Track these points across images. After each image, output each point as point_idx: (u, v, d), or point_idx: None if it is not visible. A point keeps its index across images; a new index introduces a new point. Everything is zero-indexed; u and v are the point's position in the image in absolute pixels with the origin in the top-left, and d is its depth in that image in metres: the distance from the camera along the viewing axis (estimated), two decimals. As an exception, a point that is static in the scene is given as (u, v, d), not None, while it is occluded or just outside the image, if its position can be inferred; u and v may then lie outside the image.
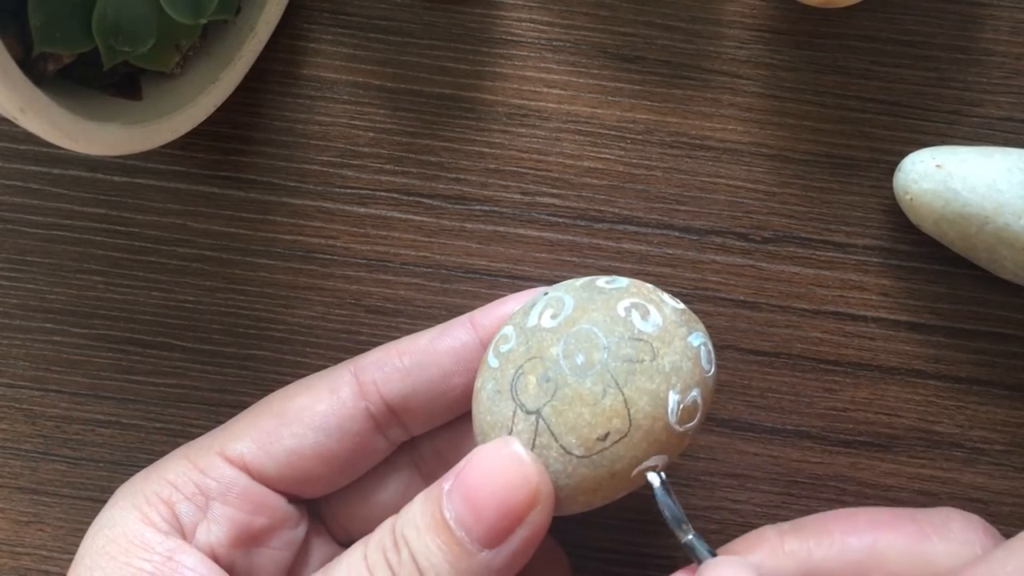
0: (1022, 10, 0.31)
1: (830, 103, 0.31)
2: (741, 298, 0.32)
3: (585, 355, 0.24)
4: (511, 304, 0.27)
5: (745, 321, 0.32)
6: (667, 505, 0.24)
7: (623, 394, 0.23)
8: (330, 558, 0.28)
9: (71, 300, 0.32)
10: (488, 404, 0.25)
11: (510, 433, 0.24)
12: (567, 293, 0.25)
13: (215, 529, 0.26)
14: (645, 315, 0.24)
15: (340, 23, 0.32)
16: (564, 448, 0.24)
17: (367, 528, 0.28)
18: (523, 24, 0.32)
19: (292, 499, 0.27)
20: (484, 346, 0.27)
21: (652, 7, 0.31)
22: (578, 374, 0.24)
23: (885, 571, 0.24)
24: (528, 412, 0.24)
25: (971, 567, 0.23)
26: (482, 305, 0.28)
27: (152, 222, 0.32)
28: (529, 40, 0.32)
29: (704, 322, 0.31)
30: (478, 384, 0.25)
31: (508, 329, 0.25)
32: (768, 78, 0.31)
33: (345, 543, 0.29)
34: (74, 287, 0.32)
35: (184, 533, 0.26)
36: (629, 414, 0.23)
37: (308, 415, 0.27)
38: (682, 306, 0.26)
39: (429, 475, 0.29)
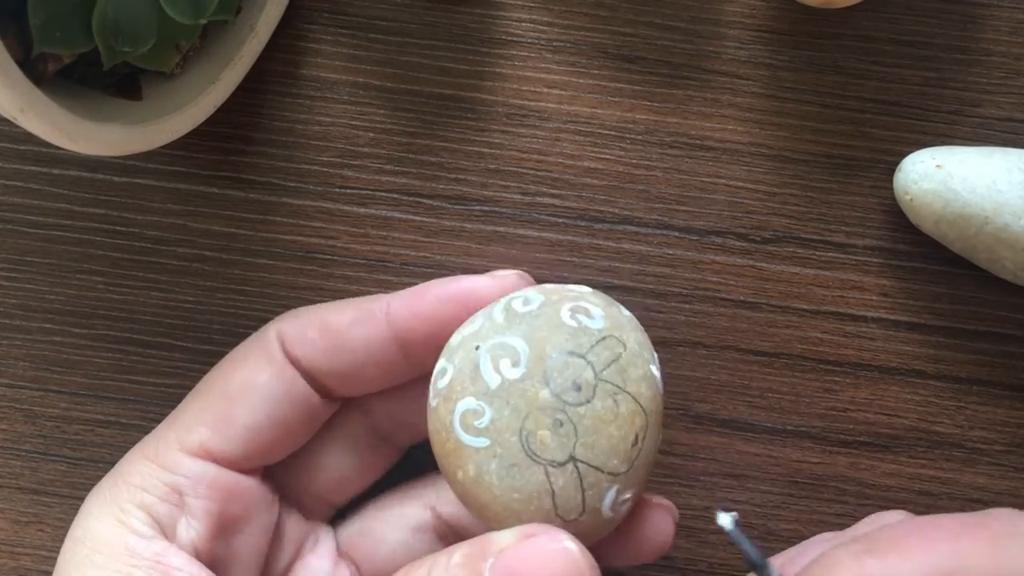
0: (1022, 10, 0.31)
1: (830, 103, 0.31)
2: (741, 298, 0.32)
3: (577, 381, 0.23)
4: (427, 298, 0.27)
5: (745, 321, 0.32)
6: (744, 546, 0.23)
7: (629, 394, 0.23)
8: (303, 536, 0.29)
9: (71, 300, 0.32)
10: (506, 483, 0.23)
11: (553, 495, 0.23)
12: (504, 335, 0.24)
13: (194, 524, 0.26)
14: (587, 313, 0.24)
15: (340, 23, 0.32)
16: (612, 473, 0.23)
17: (338, 498, 0.29)
18: (523, 24, 0.32)
19: (260, 476, 0.27)
20: (399, 340, 0.27)
21: (652, 7, 0.31)
22: (584, 401, 0.23)
23: None
24: (562, 464, 0.23)
25: None
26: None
27: (152, 222, 0.32)
28: (529, 40, 0.32)
29: (704, 322, 0.32)
30: (469, 472, 0.23)
31: (469, 401, 0.23)
32: (768, 78, 0.31)
33: (317, 517, 0.29)
34: (74, 287, 0.32)
35: (166, 534, 0.26)
36: (643, 407, 0.24)
37: (253, 389, 0.27)
38: (587, 288, 0.26)
39: (388, 437, 0.29)
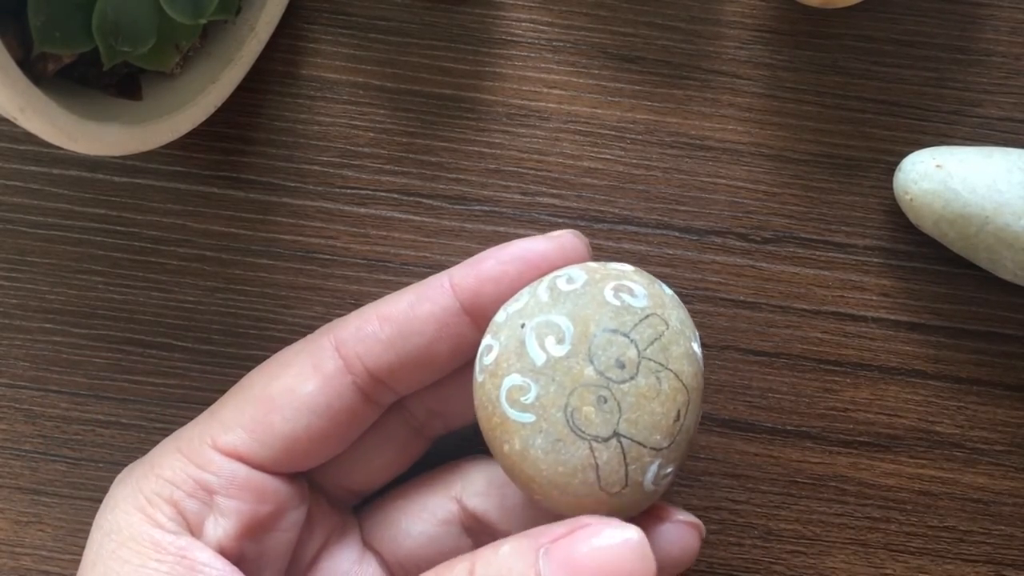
0: (1022, 10, 0.31)
1: (830, 103, 0.31)
2: (741, 298, 0.32)
3: (620, 359, 0.24)
4: (489, 263, 0.26)
5: (745, 321, 0.32)
6: None
7: (672, 371, 0.24)
8: (330, 527, 0.28)
9: (71, 300, 0.32)
10: (551, 458, 0.23)
11: (597, 469, 0.23)
12: (549, 314, 0.24)
13: (223, 523, 0.26)
14: (630, 292, 0.25)
15: (340, 23, 0.32)
16: (654, 448, 0.24)
17: (366, 489, 0.29)
18: (523, 24, 0.32)
19: (291, 477, 0.27)
20: (467, 309, 0.26)
21: (652, 7, 0.31)
22: (628, 378, 0.23)
23: None
24: (606, 440, 0.23)
25: None
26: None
27: (152, 222, 0.32)
28: (529, 40, 0.32)
29: (704, 322, 0.32)
30: (515, 446, 0.24)
31: (515, 378, 0.24)
32: (768, 78, 0.31)
33: (343, 507, 0.29)
34: (74, 287, 0.32)
35: (192, 530, 0.25)
36: (684, 384, 0.24)
37: (296, 397, 0.26)
38: (629, 266, 0.26)
39: (421, 429, 0.29)
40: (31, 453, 0.33)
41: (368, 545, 0.29)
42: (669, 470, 0.24)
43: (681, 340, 0.25)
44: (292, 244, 0.32)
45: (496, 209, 0.32)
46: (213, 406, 0.27)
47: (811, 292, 0.32)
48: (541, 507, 0.25)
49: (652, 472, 0.24)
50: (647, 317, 0.24)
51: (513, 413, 0.23)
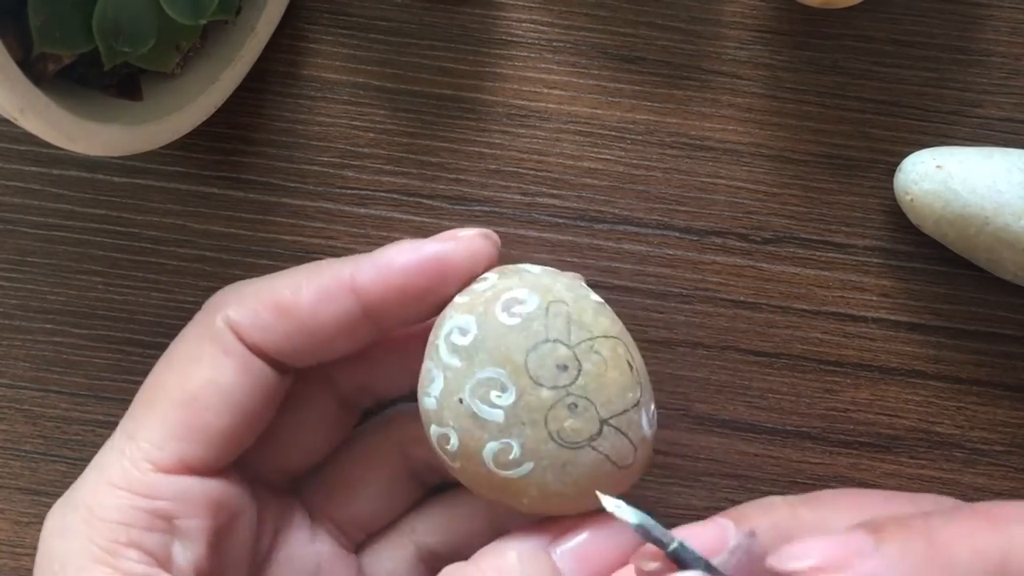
0: (1022, 11, 0.31)
1: (830, 104, 0.31)
2: (741, 299, 0.32)
3: (559, 363, 0.24)
4: (398, 271, 0.25)
5: (745, 322, 0.32)
6: (640, 519, 0.23)
7: (598, 336, 0.25)
8: (280, 515, 0.28)
9: (71, 301, 0.32)
10: (568, 479, 0.24)
11: (608, 459, 0.24)
12: (472, 374, 0.24)
13: (190, 546, 0.24)
14: (518, 301, 0.24)
15: (340, 24, 0.32)
16: (634, 405, 0.24)
17: (302, 468, 0.29)
18: (523, 25, 0.32)
19: (235, 472, 0.26)
20: (368, 314, 0.25)
21: (652, 8, 0.31)
22: (576, 372, 0.24)
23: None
24: (599, 433, 0.24)
25: None
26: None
27: (152, 222, 0.32)
28: (529, 41, 0.32)
29: (704, 322, 0.32)
30: (533, 494, 0.24)
31: (492, 446, 0.24)
32: (768, 79, 0.31)
33: (286, 489, 0.29)
34: (74, 288, 0.32)
35: (161, 564, 0.24)
36: (614, 336, 0.25)
37: (221, 389, 0.25)
38: (510, 267, 0.26)
39: (350, 403, 0.29)
40: (31, 453, 0.33)
41: (318, 518, 0.29)
42: (652, 406, 0.25)
43: (582, 303, 0.25)
44: (292, 244, 0.32)
45: (496, 209, 0.32)
46: (125, 426, 0.26)
47: (811, 292, 0.32)
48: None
49: (645, 421, 0.25)
50: (546, 310, 0.24)
51: (512, 473, 0.24)
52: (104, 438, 0.32)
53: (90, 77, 0.27)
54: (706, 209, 0.31)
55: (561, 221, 0.32)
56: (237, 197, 0.32)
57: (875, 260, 0.31)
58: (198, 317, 0.26)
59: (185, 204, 0.32)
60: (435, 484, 0.30)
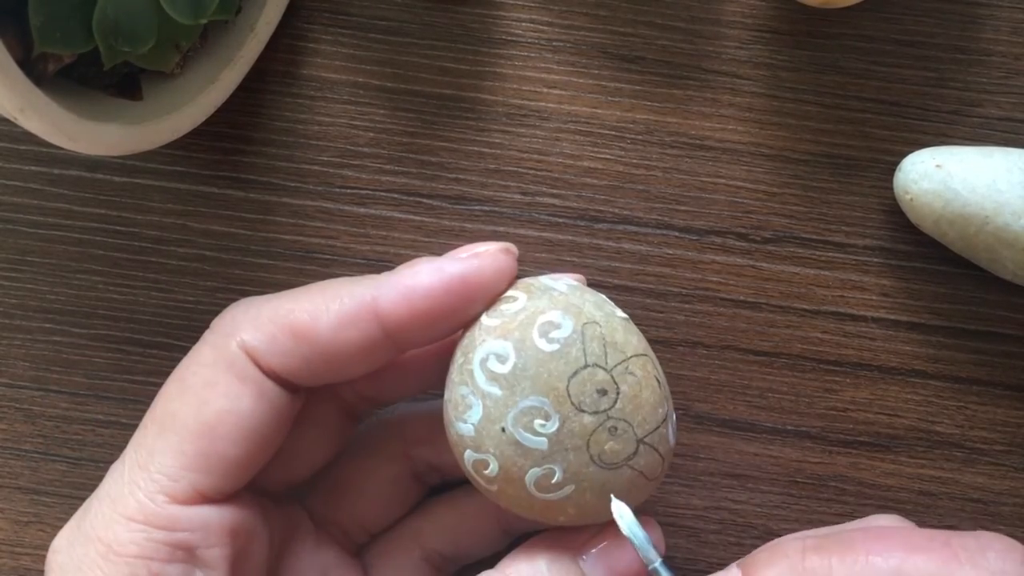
0: (1022, 10, 0.31)
1: (830, 103, 0.31)
2: (741, 298, 0.32)
3: (598, 388, 0.24)
4: (421, 294, 0.25)
5: (745, 321, 0.32)
6: (638, 541, 0.24)
7: (631, 355, 0.25)
8: (285, 526, 0.28)
9: (71, 300, 0.32)
10: (604, 499, 0.24)
11: (642, 474, 0.25)
12: (516, 402, 0.24)
13: (212, 574, 0.24)
14: (555, 326, 0.25)
15: (340, 23, 0.32)
16: (664, 420, 0.25)
17: (307, 477, 0.29)
18: (523, 24, 0.32)
19: (248, 499, 0.26)
20: (391, 337, 0.25)
21: (652, 7, 0.31)
22: (615, 396, 0.24)
23: None
24: (635, 452, 0.25)
25: None
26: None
27: (152, 222, 0.32)
28: (529, 40, 0.32)
29: (704, 322, 0.32)
30: (570, 512, 0.25)
31: (535, 472, 0.24)
32: (768, 78, 0.31)
33: (290, 499, 0.29)
34: (74, 287, 0.32)
35: None
36: (643, 353, 0.25)
37: (237, 418, 0.24)
38: (529, 280, 0.26)
39: (351, 411, 0.29)
40: (31, 453, 0.33)
41: (321, 522, 0.29)
42: (674, 416, 0.26)
43: (612, 321, 0.25)
44: (292, 244, 0.32)
45: (496, 209, 0.32)
46: (137, 454, 0.25)
47: (811, 292, 0.32)
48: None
49: (671, 434, 0.25)
50: (582, 334, 0.24)
51: (553, 496, 0.24)
52: (104, 438, 0.32)
53: (90, 77, 0.27)
54: (706, 209, 0.31)
55: (561, 220, 0.32)
56: (237, 197, 0.32)
57: (875, 259, 0.31)
58: (210, 339, 0.26)
59: (185, 204, 0.32)
60: (437, 484, 0.30)
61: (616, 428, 0.24)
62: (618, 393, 0.24)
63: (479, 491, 0.25)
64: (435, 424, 0.28)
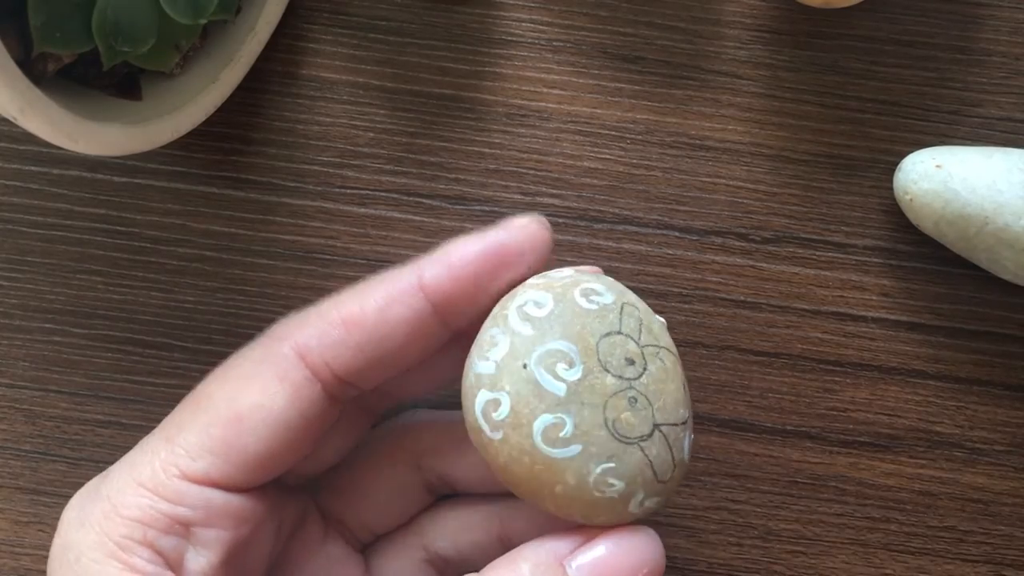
0: (1022, 10, 0.31)
1: (830, 103, 0.31)
2: (741, 298, 0.32)
3: (627, 357, 0.24)
4: (462, 261, 0.25)
5: (745, 321, 0.32)
6: None
7: (664, 347, 0.25)
8: (295, 518, 0.28)
9: (71, 300, 0.32)
10: (608, 476, 0.23)
11: (651, 466, 0.23)
12: (544, 343, 0.24)
13: (204, 553, 0.24)
14: (596, 292, 0.25)
15: (340, 23, 0.32)
16: (683, 423, 0.24)
17: (320, 471, 0.29)
18: (523, 24, 0.32)
19: (264, 491, 0.26)
20: (438, 310, 0.25)
21: (652, 7, 0.31)
22: (641, 371, 0.24)
23: None
24: (650, 436, 0.24)
25: None
26: None
27: (152, 222, 0.32)
28: (529, 40, 0.32)
29: (704, 322, 0.32)
30: (570, 483, 0.23)
31: (546, 418, 0.23)
32: (768, 78, 0.31)
33: (301, 491, 0.29)
34: (74, 287, 0.32)
35: (172, 567, 0.24)
36: (675, 354, 0.25)
37: (267, 414, 0.25)
38: (567, 269, 0.26)
39: (370, 408, 0.29)
40: (31, 453, 0.33)
41: (328, 518, 0.29)
42: (692, 435, 0.25)
43: (651, 316, 0.25)
44: (292, 244, 0.32)
45: (496, 209, 0.32)
46: (166, 428, 0.25)
47: (811, 292, 0.32)
48: (577, 522, 0.24)
49: (687, 443, 0.24)
50: (622, 308, 0.24)
51: (557, 452, 0.23)
52: (104, 438, 0.32)
53: (90, 77, 0.27)
54: (706, 209, 0.31)
55: (561, 221, 0.32)
56: (237, 197, 0.32)
57: (875, 260, 0.31)
58: (263, 340, 0.26)
59: (185, 204, 0.32)
60: (445, 494, 0.30)
61: (636, 400, 0.23)
62: (645, 368, 0.24)
63: (480, 452, 0.24)
64: (449, 435, 0.28)
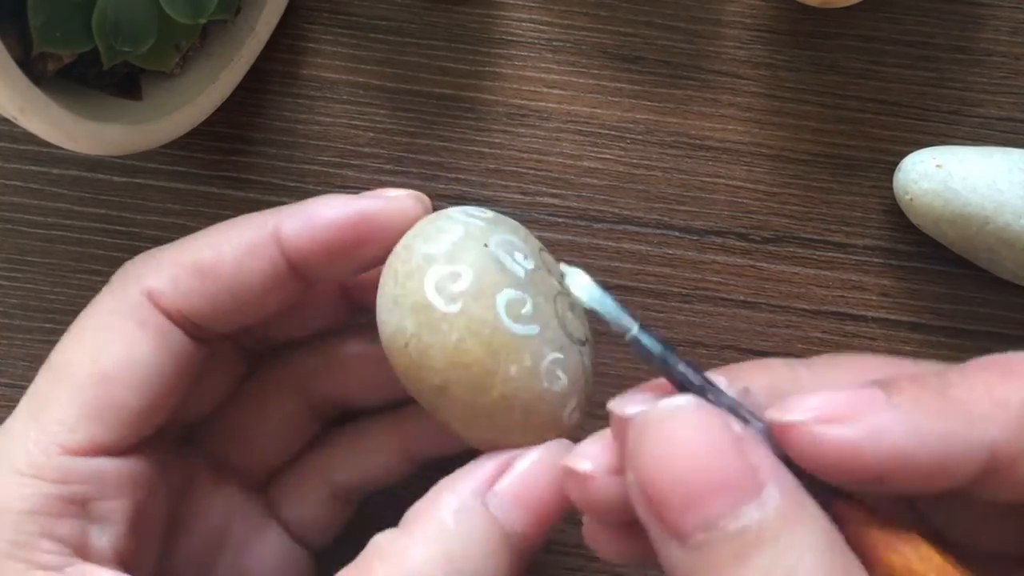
0: (1022, 10, 0.31)
1: (830, 103, 0.31)
2: (741, 298, 0.32)
3: (556, 271, 0.24)
4: (324, 224, 0.24)
5: (745, 321, 0.32)
6: (600, 301, 0.21)
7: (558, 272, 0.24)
8: (184, 469, 0.27)
9: (71, 300, 0.32)
10: (558, 370, 0.22)
11: (585, 376, 0.23)
12: (500, 233, 0.23)
13: (108, 528, 0.23)
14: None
15: (340, 23, 0.32)
16: (589, 342, 0.24)
17: (198, 418, 0.28)
18: (523, 24, 0.32)
19: (145, 450, 0.24)
20: (294, 268, 0.24)
21: (652, 7, 0.31)
22: (565, 290, 0.23)
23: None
24: (584, 343, 0.24)
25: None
26: None
27: (152, 222, 0.32)
28: (529, 40, 0.32)
29: (704, 322, 0.32)
30: (525, 363, 0.22)
31: (509, 292, 0.22)
32: (768, 78, 0.31)
33: (182, 438, 0.28)
34: (74, 287, 0.32)
35: (77, 551, 0.22)
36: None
37: (136, 366, 0.23)
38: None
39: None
40: (31, 453, 0.33)
41: (219, 465, 0.28)
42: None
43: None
44: (292, 244, 0.32)
45: (496, 209, 0.32)
46: (28, 406, 0.23)
47: (811, 292, 0.32)
48: (500, 429, 0.23)
49: (590, 364, 0.24)
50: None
51: (518, 328, 0.22)
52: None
53: (90, 76, 0.27)
54: (706, 209, 0.31)
55: (561, 220, 0.32)
56: (237, 197, 0.32)
57: (875, 260, 0.31)
58: (110, 288, 0.24)
59: (185, 203, 0.32)
60: (333, 417, 0.29)
61: (573, 308, 0.23)
62: (568, 289, 0.23)
63: (400, 349, 0.22)
64: (331, 355, 0.28)
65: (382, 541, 0.22)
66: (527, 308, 0.22)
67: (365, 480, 0.29)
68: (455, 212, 0.24)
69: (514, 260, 0.23)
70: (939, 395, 0.19)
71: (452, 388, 0.22)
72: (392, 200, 0.24)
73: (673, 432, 0.18)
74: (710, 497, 0.17)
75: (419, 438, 0.28)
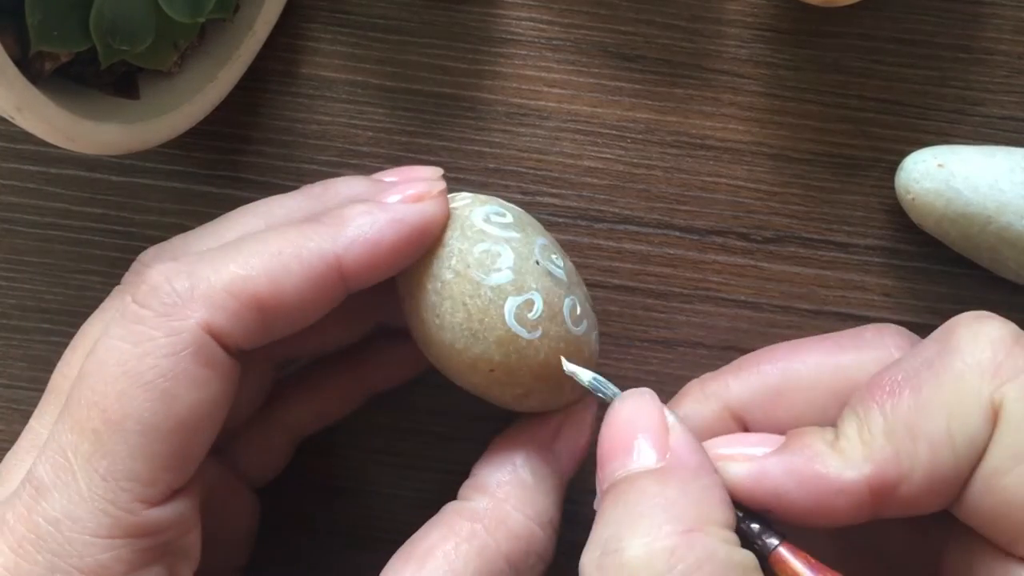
0: (1024, 9, 0.31)
1: (831, 102, 0.31)
2: (742, 298, 0.31)
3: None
4: (386, 244, 0.24)
5: (746, 321, 0.31)
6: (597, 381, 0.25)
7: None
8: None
9: (69, 300, 0.32)
10: (597, 345, 0.26)
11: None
12: (540, 237, 0.25)
13: (191, 556, 0.24)
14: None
15: (339, 22, 0.32)
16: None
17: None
18: (523, 23, 0.31)
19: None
20: (350, 288, 0.24)
21: (652, 6, 0.31)
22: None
23: (798, 388, 0.25)
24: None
25: (881, 370, 0.23)
26: None
27: (150, 221, 0.32)
28: (529, 39, 0.31)
29: (705, 322, 0.31)
30: (579, 358, 0.25)
31: (572, 299, 0.25)
32: (769, 77, 0.31)
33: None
34: (72, 287, 0.32)
35: None
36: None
37: (208, 408, 0.23)
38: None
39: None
40: (29, 454, 0.33)
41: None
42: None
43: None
44: (291, 244, 0.32)
45: (496, 209, 0.32)
46: (91, 465, 0.22)
47: (813, 292, 0.31)
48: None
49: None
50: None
51: (578, 329, 0.25)
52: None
53: (87, 76, 0.27)
54: (707, 208, 0.31)
55: (561, 220, 0.32)
56: (235, 196, 0.32)
57: (877, 259, 0.31)
58: (155, 321, 0.23)
59: (183, 203, 0.32)
60: (285, 363, 0.29)
61: (582, 289, 0.26)
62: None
63: (477, 371, 0.24)
64: None
65: (461, 508, 0.25)
66: (579, 309, 0.25)
67: (322, 421, 0.30)
68: (479, 219, 0.25)
69: (555, 264, 0.25)
70: (826, 445, 0.23)
71: (534, 394, 0.25)
72: (433, 202, 0.25)
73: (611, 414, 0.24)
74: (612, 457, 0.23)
75: (377, 374, 0.30)
